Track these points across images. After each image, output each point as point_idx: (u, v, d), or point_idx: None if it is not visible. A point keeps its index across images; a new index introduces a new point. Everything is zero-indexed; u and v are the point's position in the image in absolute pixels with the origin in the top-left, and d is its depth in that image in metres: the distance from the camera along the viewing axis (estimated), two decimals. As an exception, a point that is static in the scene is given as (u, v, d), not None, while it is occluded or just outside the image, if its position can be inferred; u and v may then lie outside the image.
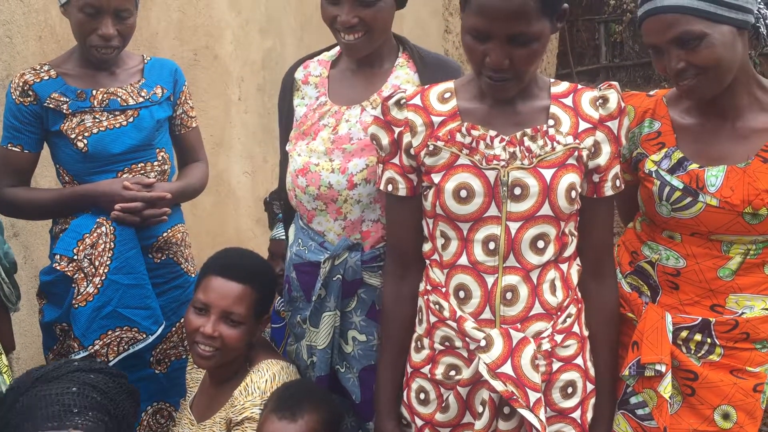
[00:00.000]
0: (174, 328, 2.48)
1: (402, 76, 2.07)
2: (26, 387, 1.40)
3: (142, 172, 2.37)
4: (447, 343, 1.82)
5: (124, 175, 2.34)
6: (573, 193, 1.74)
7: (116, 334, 2.26)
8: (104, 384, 1.50)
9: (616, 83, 1.82)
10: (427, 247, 1.88)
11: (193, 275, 2.53)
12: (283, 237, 2.42)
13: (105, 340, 2.25)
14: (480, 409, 1.76)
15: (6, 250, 2.09)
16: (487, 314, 1.76)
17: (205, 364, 2.09)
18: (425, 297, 1.87)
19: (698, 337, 1.85)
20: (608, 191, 1.81)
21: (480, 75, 1.72)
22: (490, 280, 1.76)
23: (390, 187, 1.85)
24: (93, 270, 2.24)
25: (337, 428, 2.03)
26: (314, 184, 2.02)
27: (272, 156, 4.57)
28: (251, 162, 4.48)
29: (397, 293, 1.92)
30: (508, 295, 1.75)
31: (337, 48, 2.17)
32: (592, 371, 1.86)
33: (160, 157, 2.42)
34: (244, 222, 4.46)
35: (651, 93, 1.98)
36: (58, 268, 2.25)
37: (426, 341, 1.86)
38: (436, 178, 1.76)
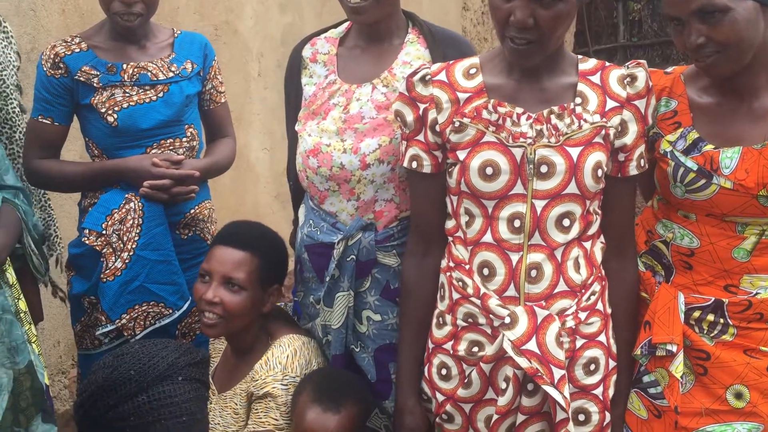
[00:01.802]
0: (198, 305, 2.51)
1: (412, 53, 2.06)
2: (147, 383, 1.43)
3: (171, 148, 2.39)
4: (470, 320, 1.84)
5: (153, 151, 2.35)
6: (599, 172, 1.75)
7: (143, 308, 2.29)
8: (205, 375, 1.54)
9: (644, 61, 1.81)
10: (450, 224, 1.89)
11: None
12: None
13: (132, 314, 2.28)
14: (503, 385, 1.78)
15: (35, 222, 2.12)
16: (511, 292, 1.78)
17: (210, 332, 2.12)
18: (448, 274, 1.89)
19: (711, 317, 1.85)
20: (633, 171, 1.82)
21: (504, 40, 1.71)
22: (514, 257, 1.77)
23: (414, 164, 1.86)
24: (121, 245, 2.27)
25: (368, 418, 2.07)
26: (326, 164, 2.02)
27: (291, 133, 4.58)
28: (270, 138, 4.50)
29: (419, 270, 1.94)
30: (533, 273, 1.77)
31: (345, 25, 2.15)
32: (614, 348, 1.87)
33: (188, 133, 2.44)
34: (263, 198, 4.48)
35: (668, 70, 1.96)
36: (86, 242, 2.29)
37: (448, 317, 1.88)
38: (462, 155, 1.77)
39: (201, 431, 1.50)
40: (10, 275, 2.01)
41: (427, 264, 1.93)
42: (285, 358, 2.06)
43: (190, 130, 2.45)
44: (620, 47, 13.58)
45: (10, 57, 2.38)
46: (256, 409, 2.04)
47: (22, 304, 2.04)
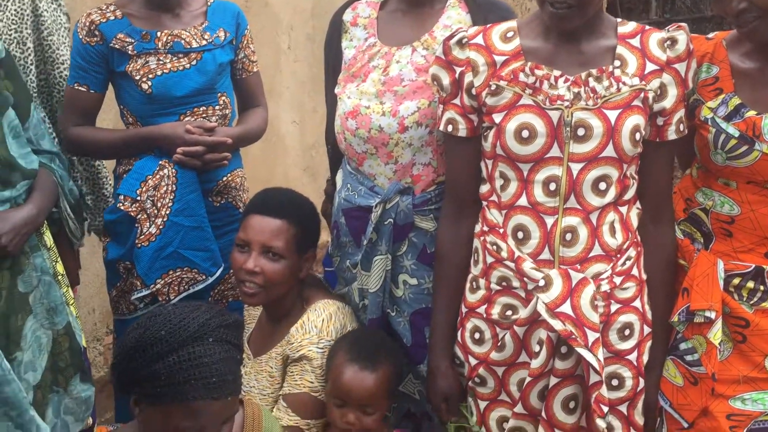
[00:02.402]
0: (232, 271, 2.53)
1: (453, 17, 2.04)
2: (177, 343, 1.45)
3: (204, 116, 2.40)
4: (504, 284, 1.83)
5: (186, 119, 2.36)
6: (637, 135, 1.73)
7: (177, 274, 2.32)
8: (237, 338, 1.55)
9: (684, 25, 1.78)
10: (485, 188, 1.88)
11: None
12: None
13: (166, 279, 2.31)
14: (537, 348, 1.78)
15: (71, 187, 2.14)
16: (546, 255, 1.77)
17: (251, 301, 2.14)
18: (482, 238, 1.88)
19: (751, 284, 1.83)
20: (671, 135, 1.80)
21: (543, 4, 1.70)
22: (549, 221, 1.76)
23: (450, 128, 1.85)
24: (155, 211, 2.30)
25: (402, 378, 2.09)
26: (364, 126, 2.02)
27: (321, 106, 4.55)
28: (300, 111, 4.50)
29: (454, 234, 1.94)
30: (568, 237, 1.76)
31: None
32: (649, 314, 1.86)
33: (221, 102, 2.45)
34: (292, 171, 4.50)
35: (710, 36, 1.93)
36: (121, 208, 2.31)
37: (482, 282, 1.88)
38: (498, 118, 1.76)
39: (232, 392, 1.50)
40: (48, 238, 2.05)
41: (462, 229, 1.93)
42: (320, 322, 2.07)
43: (223, 98, 2.46)
44: (653, 23, 13.34)
45: (61, 19, 2.39)
46: (292, 372, 2.06)
47: (60, 267, 2.08)
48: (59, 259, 2.09)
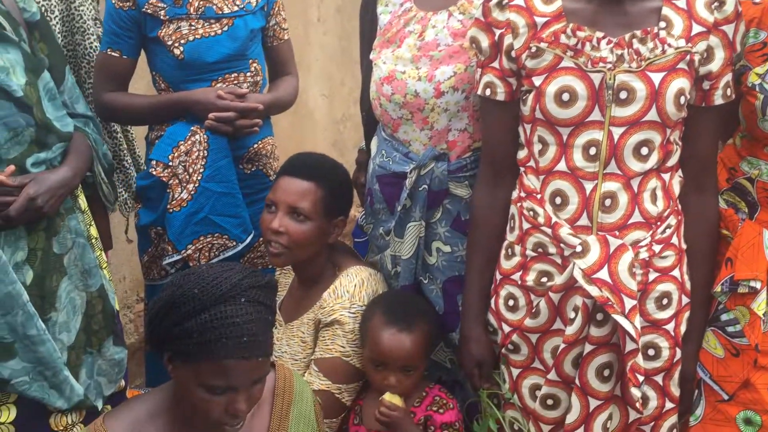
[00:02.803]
0: (261, 239, 2.53)
1: None
2: (210, 302, 1.45)
3: (236, 82, 2.39)
4: (540, 250, 1.81)
5: (218, 85, 2.36)
6: (682, 99, 1.69)
7: (208, 240, 2.33)
8: (270, 300, 1.55)
9: None
10: (522, 153, 1.86)
11: (280, 189, 2.57)
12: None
13: (197, 245, 2.31)
14: (572, 315, 1.76)
15: (105, 151, 2.14)
16: (583, 221, 1.75)
17: (277, 261, 2.14)
18: (518, 204, 1.86)
19: None
20: (718, 100, 1.75)
21: None
22: (588, 186, 1.73)
23: (488, 92, 1.83)
24: (187, 177, 2.30)
25: (439, 336, 2.09)
26: (400, 92, 2.00)
27: (350, 79, 4.56)
28: (329, 84, 4.49)
29: (490, 201, 1.91)
30: (607, 202, 1.73)
31: None
32: (688, 285, 1.83)
33: (252, 68, 2.43)
34: (321, 144, 4.49)
35: (757, 0, 1.87)
36: (153, 173, 2.31)
37: (517, 248, 1.86)
38: (537, 81, 1.73)
39: (264, 353, 1.50)
40: (82, 201, 2.05)
41: (498, 195, 1.90)
42: (353, 287, 2.07)
43: (254, 65, 2.45)
44: None
45: None
46: (323, 337, 2.06)
47: (94, 231, 2.08)
48: (93, 222, 2.10)
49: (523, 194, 1.84)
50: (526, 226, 1.83)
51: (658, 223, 1.76)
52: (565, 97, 1.70)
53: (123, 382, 2.14)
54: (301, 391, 1.74)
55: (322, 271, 2.17)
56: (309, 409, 1.74)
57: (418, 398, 2.04)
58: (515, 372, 1.91)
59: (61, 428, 1.92)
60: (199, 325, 1.44)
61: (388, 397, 1.98)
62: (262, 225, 2.16)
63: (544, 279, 1.82)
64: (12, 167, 1.78)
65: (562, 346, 1.77)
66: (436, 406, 2.03)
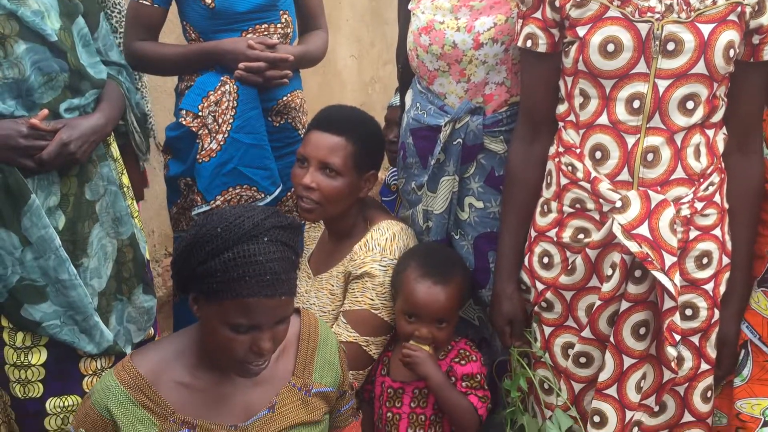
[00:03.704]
0: (289, 193, 2.51)
1: None
2: (232, 241, 1.45)
3: (266, 33, 2.35)
4: (577, 206, 1.78)
5: (248, 35, 2.33)
6: (731, 52, 1.64)
7: (236, 191, 2.31)
8: (293, 241, 1.54)
9: None
10: (562, 108, 1.82)
11: (309, 143, 2.54)
12: (399, 104, 2.39)
13: (226, 196, 2.30)
14: (609, 272, 1.73)
15: (137, 100, 2.13)
16: (624, 176, 1.71)
17: (309, 216, 2.13)
18: (556, 160, 1.82)
19: None
20: (767, 55, 1.69)
21: None
22: (630, 140, 1.69)
23: (529, 43, 1.78)
24: (216, 127, 2.28)
25: (470, 291, 2.08)
26: (438, 42, 1.96)
27: (380, 41, 4.51)
28: (358, 45, 4.44)
29: (526, 156, 1.88)
30: (649, 157, 1.69)
31: None
32: (729, 245, 1.79)
33: (283, 20, 2.40)
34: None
35: None
36: (183, 123, 2.30)
37: (554, 204, 1.83)
38: (582, 31, 1.68)
39: (286, 292, 1.49)
40: (115, 150, 2.05)
41: (535, 150, 1.87)
42: (384, 241, 2.05)
43: (285, 16, 2.41)
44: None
45: None
46: (353, 289, 2.05)
47: (125, 180, 2.08)
48: (125, 171, 2.09)
49: (561, 149, 1.81)
50: (563, 181, 1.80)
51: (701, 180, 1.72)
52: (610, 48, 1.65)
53: (152, 331, 2.15)
54: (326, 338, 1.74)
55: (353, 225, 2.15)
56: (334, 356, 1.74)
57: (444, 352, 2.04)
58: (547, 330, 1.89)
59: (90, 372, 1.94)
60: (222, 263, 1.44)
61: (415, 342, 1.97)
62: (293, 179, 2.14)
63: (581, 235, 1.79)
64: (45, 111, 1.78)
65: (598, 303, 1.75)
66: (459, 357, 2.02)
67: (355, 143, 2.09)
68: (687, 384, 1.82)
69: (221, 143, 2.28)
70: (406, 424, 2.02)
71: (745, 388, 1.82)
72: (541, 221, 1.86)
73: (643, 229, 1.65)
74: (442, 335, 1.99)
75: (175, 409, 1.54)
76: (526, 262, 1.91)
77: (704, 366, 1.81)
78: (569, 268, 1.80)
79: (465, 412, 1.95)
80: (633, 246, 1.65)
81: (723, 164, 1.78)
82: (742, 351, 1.83)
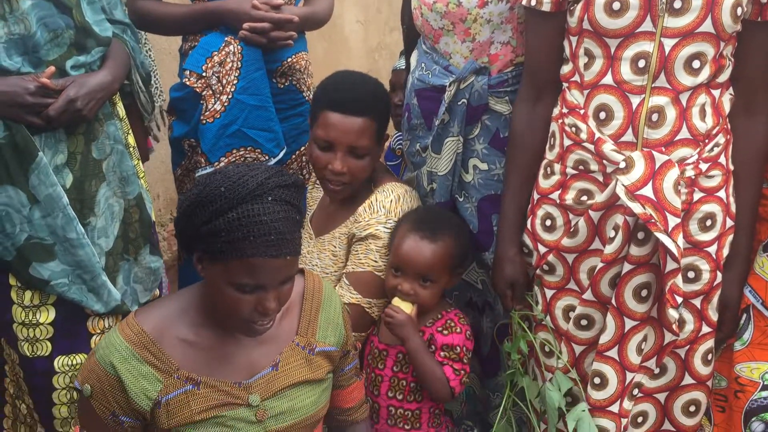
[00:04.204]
0: (294, 156, 2.51)
1: None
2: (236, 200, 1.45)
3: (271, -6, 2.34)
4: (581, 167, 1.78)
5: (253, -4, 2.32)
6: (738, 10, 1.62)
7: (240, 153, 2.31)
8: (297, 199, 1.54)
9: None
10: (566, 68, 1.81)
11: (313, 105, 2.54)
12: (404, 67, 2.38)
13: (230, 158, 2.30)
14: (611, 234, 1.73)
15: (142, 60, 2.13)
16: (628, 136, 1.70)
17: (337, 196, 2.12)
18: (560, 121, 1.82)
19: None
20: None
21: None
22: (635, 100, 1.68)
23: (534, 2, 1.77)
24: (220, 88, 2.27)
25: (465, 257, 2.06)
26: (442, 0, 1.95)
27: (385, 6, 4.47)
28: (365, 11, 4.41)
29: (529, 118, 1.88)
30: (654, 117, 1.68)
31: None
32: (733, 207, 1.79)
33: (288, -20, 2.39)
34: (355, 72, 4.44)
35: None
36: (187, 83, 2.29)
37: (557, 166, 1.83)
38: None
39: (291, 252, 1.50)
40: (121, 109, 2.05)
41: (539, 112, 1.86)
42: (389, 203, 2.05)
43: (290, -23, 2.40)
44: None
45: None
46: (356, 251, 2.06)
47: (131, 139, 2.09)
48: (131, 131, 2.09)
49: (564, 110, 1.80)
50: (567, 143, 1.79)
51: (706, 141, 1.71)
52: (616, 6, 1.64)
53: (158, 291, 2.17)
54: (330, 298, 1.75)
55: (360, 188, 2.15)
56: (337, 316, 1.75)
57: (432, 319, 2.02)
58: (549, 293, 1.90)
59: (98, 331, 1.96)
60: (226, 223, 1.44)
61: (397, 302, 1.96)
62: (317, 163, 2.09)
63: (584, 197, 1.79)
64: (52, 68, 1.78)
65: (600, 265, 1.75)
66: (443, 327, 2.00)
67: (377, 120, 2.07)
68: (688, 346, 1.83)
69: (225, 104, 2.27)
70: (387, 386, 2.03)
71: (745, 352, 1.83)
72: (543, 183, 1.86)
73: (647, 190, 1.65)
74: (426, 294, 1.98)
75: (179, 366, 1.56)
76: (528, 225, 1.92)
77: (705, 329, 1.82)
78: (572, 230, 1.80)
79: (436, 380, 1.94)
80: (636, 207, 1.65)
81: (729, 125, 1.77)
82: (744, 315, 1.83)
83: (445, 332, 1.98)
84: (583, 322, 1.84)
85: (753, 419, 1.80)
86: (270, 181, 1.49)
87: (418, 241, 1.95)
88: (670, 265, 1.67)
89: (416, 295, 1.97)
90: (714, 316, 1.82)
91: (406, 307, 1.95)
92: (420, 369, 1.95)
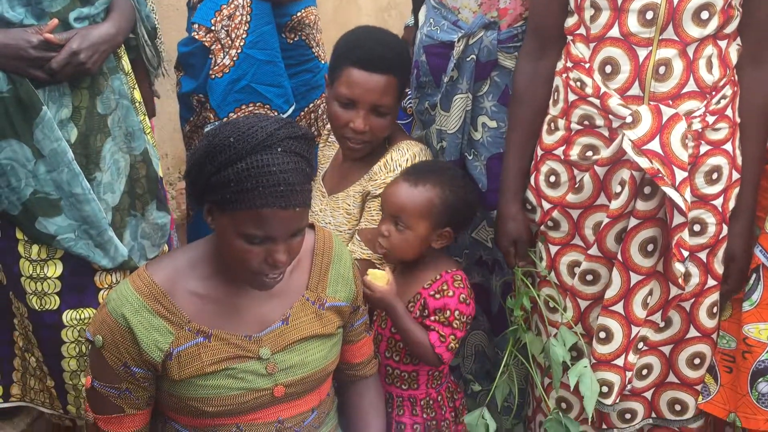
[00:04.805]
0: (303, 113, 2.50)
1: None
2: (246, 151, 1.44)
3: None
4: (586, 122, 1.76)
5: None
6: None
7: (249, 109, 2.31)
8: (308, 152, 1.53)
9: None
10: (571, 21, 1.77)
11: (323, 61, 2.52)
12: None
13: (239, 114, 2.30)
14: (617, 189, 1.72)
15: (147, 13, 2.11)
16: (635, 90, 1.68)
17: (356, 155, 2.10)
18: (564, 75, 1.79)
19: None
20: None
21: None
22: (642, 53, 1.65)
23: None
24: (229, 42, 2.26)
25: (454, 215, 1.97)
26: None
27: (396, -37, 4.41)
28: (375, -32, 4.35)
29: (533, 73, 1.85)
30: (661, 70, 1.65)
31: None
32: (739, 160, 1.77)
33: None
34: (365, 30, 4.39)
35: None
36: (196, 37, 2.28)
37: (561, 122, 1.81)
38: None
39: (301, 204, 1.49)
40: (126, 63, 2.04)
41: (542, 67, 1.84)
42: (404, 161, 2.04)
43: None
44: None
45: None
46: (369, 208, 2.05)
47: (137, 94, 2.08)
48: (136, 86, 2.08)
49: (569, 64, 1.77)
50: (571, 97, 1.77)
51: (713, 93, 1.68)
52: None
53: (166, 247, 2.18)
54: (340, 253, 1.75)
55: (375, 146, 2.12)
56: (348, 271, 1.75)
57: (431, 280, 1.96)
58: (553, 249, 1.89)
59: (106, 286, 1.97)
60: (235, 173, 1.44)
61: (371, 275, 1.90)
62: (336, 121, 2.06)
63: (589, 153, 1.77)
64: (55, 21, 1.77)
65: (606, 221, 1.74)
66: (436, 291, 1.94)
67: (399, 77, 2.04)
68: (693, 299, 1.82)
69: (234, 59, 2.26)
70: (386, 346, 2.02)
71: (753, 312, 1.81)
72: (547, 139, 1.84)
73: (654, 145, 1.63)
74: (397, 240, 1.92)
75: (190, 318, 1.56)
76: (532, 182, 1.90)
77: (711, 282, 1.81)
78: (577, 186, 1.79)
79: (421, 347, 1.90)
80: (644, 162, 1.63)
81: (736, 76, 1.74)
82: (753, 275, 1.81)
83: (437, 296, 1.93)
84: (589, 278, 1.83)
85: (760, 380, 1.79)
86: (280, 132, 1.48)
87: (400, 182, 1.94)
88: (677, 219, 1.65)
89: (390, 238, 1.94)
90: (719, 269, 1.81)
91: (381, 279, 1.90)
92: (403, 336, 1.92)
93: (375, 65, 1.99)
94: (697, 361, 1.87)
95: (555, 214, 1.85)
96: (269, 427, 1.64)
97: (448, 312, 1.90)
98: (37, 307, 1.91)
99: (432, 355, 1.89)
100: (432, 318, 1.91)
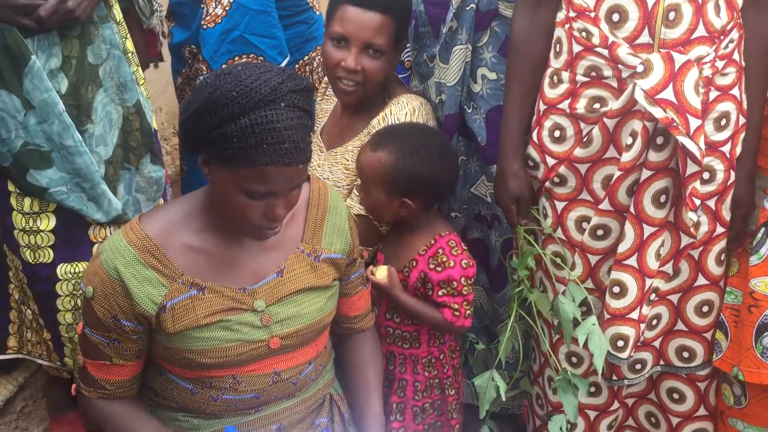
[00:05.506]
0: (297, 65, 2.45)
1: None
2: (249, 106, 1.39)
3: None
4: (593, 74, 1.70)
5: None
6: None
7: (242, 60, 2.25)
8: (309, 105, 1.47)
9: None
10: None
11: (318, 12, 2.46)
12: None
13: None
14: (629, 141, 1.67)
15: (138, -41, 2.06)
16: (644, 38, 1.62)
17: (349, 99, 2.04)
18: (567, 26, 1.73)
19: None
20: None
21: None
22: None
23: None
24: (221, -8, 2.20)
25: (421, 189, 1.91)
26: None
27: None
28: None
29: (531, 24, 1.79)
30: (671, 15, 1.60)
31: None
32: (745, 104, 1.73)
33: None
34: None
35: None
36: (187, -14, 2.22)
37: (565, 75, 1.75)
38: None
39: (303, 160, 1.46)
40: (117, 12, 1.98)
41: (541, 17, 1.78)
42: (404, 116, 1.99)
43: None
44: None
45: None
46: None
47: (130, 44, 2.02)
48: (128, 36, 2.02)
49: (572, 14, 1.71)
50: (576, 49, 1.71)
51: (722, 37, 1.64)
52: None
53: (162, 201, 2.14)
54: (336, 205, 1.72)
55: (374, 99, 2.07)
56: (343, 222, 1.72)
57: (425, 246, 1.93)
58: (560, 205, 1.85)
59: (100, 240, 1.94)
60: (238, 130, 1.39)
61: (374, 270, 1.93)
62: (329, 60, 2.01)
63: (597, 105, 1.72)
64: (43, -33, 1.70)
65: (617, 174, 1.70)
66: (435, 263, 1.91)
67: (395, 18, 1.98)
68: (702, 247, 1.80)
69: (226, 8, 2.20)
70: (386, 308, 2.01)
71: (761, 266, 1.79)
72: (550, 93, 1.79)
73: (668, 93, 1.57)
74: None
75: (183, 271, 1.54)
76: (534, 137, 1.85)
77: (719, 229, 1.78)
78: (584, 139, 1.74)
79: (439, 324, 1.93)
80: (657, 112, 1.58)
81: (741, 19, 1.69)
82: (762, 229, 1.79)
83: (439, 269, 1.90)
84: (599, 232, 1.80)
85: (765, 334, 1.78)
86: (283, 86, 1.42)
87: (367, 151, 1.91)
88: (691, 168, 1.61)
89: (363, 199, 1.96)
90: (728, 215, 1.78)
91: (380, 274, 1.91)
92: (420, 319, 1.95)
93: (370, 2, 1.95)
94: (705, 308, 1.86)
95: (561, 169, 1.80)
96: (266, 378, 1.62)
97: (455, 282, 1.89)
98: (30, 260, 1.88)
99: (454, 329, 1.93)
100: (440, 293, 1.90)
